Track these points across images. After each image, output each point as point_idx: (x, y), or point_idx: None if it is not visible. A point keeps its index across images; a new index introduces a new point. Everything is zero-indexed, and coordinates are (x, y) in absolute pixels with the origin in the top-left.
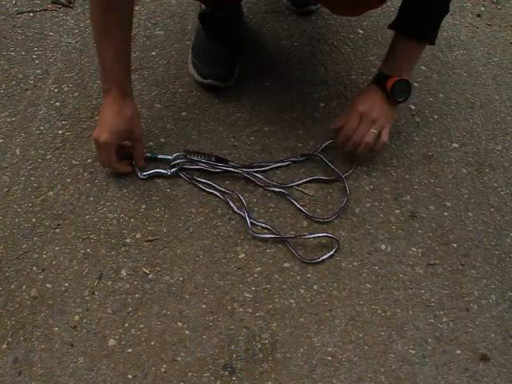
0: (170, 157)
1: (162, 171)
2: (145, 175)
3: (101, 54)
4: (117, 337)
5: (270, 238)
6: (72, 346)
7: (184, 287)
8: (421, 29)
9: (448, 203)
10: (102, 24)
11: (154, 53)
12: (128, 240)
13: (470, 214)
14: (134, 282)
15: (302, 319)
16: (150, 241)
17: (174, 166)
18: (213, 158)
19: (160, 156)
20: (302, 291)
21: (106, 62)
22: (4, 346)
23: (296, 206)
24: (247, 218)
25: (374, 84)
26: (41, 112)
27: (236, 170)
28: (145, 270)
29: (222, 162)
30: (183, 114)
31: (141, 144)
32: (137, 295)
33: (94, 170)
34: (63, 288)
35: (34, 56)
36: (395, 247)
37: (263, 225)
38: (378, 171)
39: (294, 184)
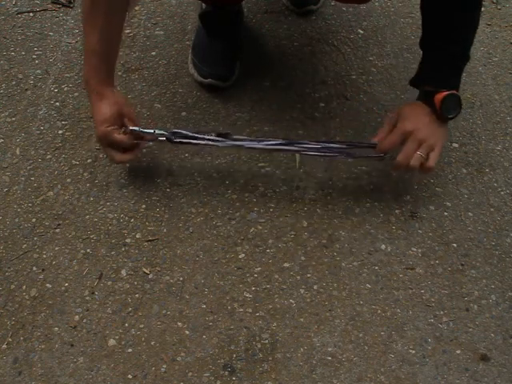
0: (152, 130)
1: (150, 131)
2: (134, 129)
3: (84, 43)
4: (117, 337)
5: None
6: (72, 345)
7: (184, 287)
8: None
9: (448, 203)
10: (88, 12)
11: (154, 53)
12: (128, 240)
13: (470, 214)
14: (134, 281)
15: (302, 319)
16: (150, 241)
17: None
18: (213, 135)
19: (143, 129)
20: (302, 291)
21: (87, 51)
22: (4, 346)
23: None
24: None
25: (420, 100)
26: (41, 112)
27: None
28: (145, 270)
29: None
30: (183, 114)
31: (136, 120)
32: (137, 295)
33: (94, 170)
34: (63, 288)
35: (34, 56)
36: (395, 247)
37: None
38: (378, 171)
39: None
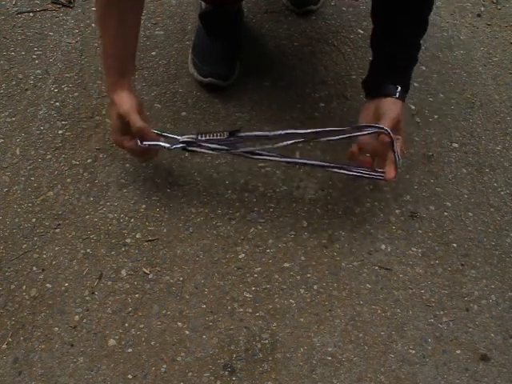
0: (178, 137)
1: (165, 144)
2: (145, 144)
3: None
4: (117, 337)
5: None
6: (72, 345)
7: (184, 287)
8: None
9: (448, 203)
10: (101, 16)
11: (154, 53)
12: (128, 240)
13: (470, 214)
14: (134, 282)
15: (302, 319)
16: (150, 241)
17: (180, 143)
18: (226, 134)
19: (166, 134)
20: (302, 291)
21: (101, 52)
22: (4, 346)
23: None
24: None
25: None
26: (41, 112)
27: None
28: (145, 270)
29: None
30: (183, 113)
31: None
32: (137, 295)
33: (94, 170)
34: (63, 288)
35: (34, 56)
36: (395, 247)
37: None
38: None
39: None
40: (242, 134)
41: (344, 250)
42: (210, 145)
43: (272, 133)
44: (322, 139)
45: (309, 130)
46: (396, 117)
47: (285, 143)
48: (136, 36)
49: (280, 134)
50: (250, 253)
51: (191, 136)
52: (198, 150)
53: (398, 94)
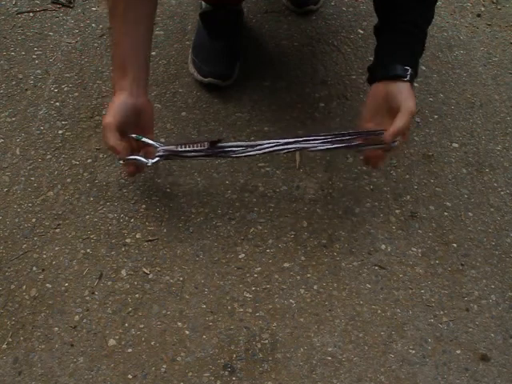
0: (157, 144)
1: (143, 160)
2: (126, 159)
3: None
4: (117, 337)
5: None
6: (72, 346)
7: (184, 287)
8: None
9: (448, 203)
10: (109, 15)
11: (154, 53)
12: (128, 240)
13: (470, 214)
14: (134, 282)
15: (302, 319)
16: (150, 241)
17: (157, 157)
18: (206, 145)
19: (145, 139)
20: (302, 291)
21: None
22: (4, 345)
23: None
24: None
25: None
26: (41, 112)
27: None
28: (145, 270)
29: (215, 145)
30: (183, 114)
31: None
32: (137, 295)
33: (94, 170)
34: (63, 288)
35: (34, 56)
36: (395, 247)
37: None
38: (377, 171)
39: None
40: (223, 144)
41: (344, 250)
42: (188, 154)
43: (254, 142)
44: (312, 149)
45: (292, 139)
46: (414, 109)
47: (268, 150)
48: (142, 36)
49: (263, 144)
50: (250, 253)
51: (170, 148)
52: (176, 159)
53: (408, 76)
